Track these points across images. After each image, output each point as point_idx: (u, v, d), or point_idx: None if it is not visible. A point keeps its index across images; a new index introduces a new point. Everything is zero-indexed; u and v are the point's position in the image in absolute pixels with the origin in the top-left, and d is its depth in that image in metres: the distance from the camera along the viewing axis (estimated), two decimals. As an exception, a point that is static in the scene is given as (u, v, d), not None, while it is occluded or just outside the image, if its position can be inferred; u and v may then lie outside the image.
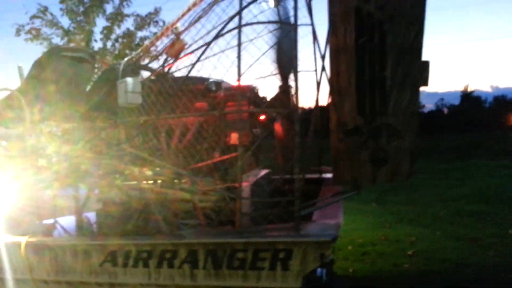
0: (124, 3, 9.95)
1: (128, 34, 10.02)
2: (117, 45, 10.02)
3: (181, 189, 3.73)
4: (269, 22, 3.46)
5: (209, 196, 3.58)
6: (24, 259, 3.05)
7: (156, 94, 3.77)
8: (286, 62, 3.77)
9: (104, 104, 3.82)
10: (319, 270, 4.33)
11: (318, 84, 3.71)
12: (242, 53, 3.68)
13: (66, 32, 9.45)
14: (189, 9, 3.70)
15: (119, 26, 10.00)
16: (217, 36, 3.35)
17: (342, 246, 7.69)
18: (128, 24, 10.30)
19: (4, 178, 3.92)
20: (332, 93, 3.69)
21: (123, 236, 3.26)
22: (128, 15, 10.05)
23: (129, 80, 3.55)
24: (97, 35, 9.90)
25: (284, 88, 4.17)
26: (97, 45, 9.69)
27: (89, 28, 9.30)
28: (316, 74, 4.18)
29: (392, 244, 7.79)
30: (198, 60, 3.79)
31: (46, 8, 9.57)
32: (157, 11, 10.24)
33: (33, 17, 9.64)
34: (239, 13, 3.14)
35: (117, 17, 9.85)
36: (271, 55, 4.10)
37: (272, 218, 3.46)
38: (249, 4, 3.26)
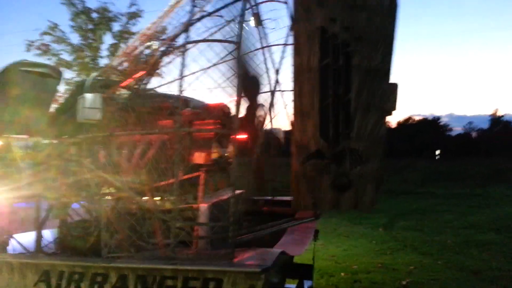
0: (131, 22, 10.14)
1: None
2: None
3: (139, 206, 3.66)
4: (213, 40, 3.39)
5: (165, 215, 3.49)
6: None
7: (120, 110, 3.74)
8: (249, 82, 3.69)
9: (70, 120, 3.81)
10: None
11: (271, 102, 3.60)
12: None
13: (75, 49, 9.68)
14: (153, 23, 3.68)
15: (125, 44, 10.18)
16: (163, 53, 3.31)
17: (335, 272, 7.45)
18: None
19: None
20: (294, 114, 3.57)
21: (62, 256, 3.20)
22: (134, 33, 10.25)
23: (88, 96, 3.54)
24: (104, 52, 10.10)
25: (251, 109, 4.08)
26: (103, 62, 9.91)
27: (97, 45, 9.51)
28: (273, 94, 4.08)
29: (388, 272, 7.47)
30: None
31: (56, 25, 9.87)
32: (164, 29, 10.34)
33: (44, 33, 9.94)
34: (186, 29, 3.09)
35: (124, 34, 10.04)
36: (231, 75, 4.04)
37: (228, 243, 3.34)
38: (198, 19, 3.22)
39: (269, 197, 5.17)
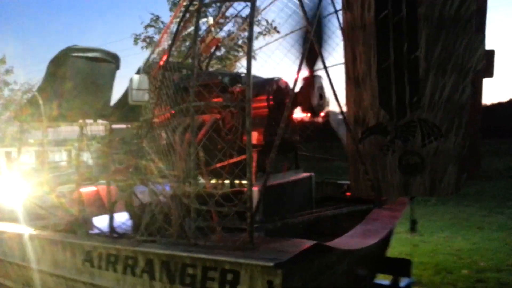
0: (225, 6, 10.02)
1: (230, 37, 10.11)
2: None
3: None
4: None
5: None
6: (28, 250, 3.20)
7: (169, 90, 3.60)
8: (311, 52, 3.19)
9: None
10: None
11: (300, 63, 3.05)
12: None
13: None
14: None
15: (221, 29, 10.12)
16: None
17: (455, 269, 6.41)
18: (229, 25, 10.37)
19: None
20: (348, 82, 2.99)
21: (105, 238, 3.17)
22: (228, 17, 10.14)
23: (135, 77, 3.46)
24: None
25: (308, 81, 3.57)
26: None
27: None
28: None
29: (525, 273, 6.16)
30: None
31: (158, 17, 10.33)
32: (258, 11, 10.07)
33: (147, 26, 10.51)
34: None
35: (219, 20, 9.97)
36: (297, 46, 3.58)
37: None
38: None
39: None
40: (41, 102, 3.58)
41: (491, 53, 2.80)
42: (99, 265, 2.89)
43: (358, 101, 2.93)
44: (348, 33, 2.95)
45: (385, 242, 4.19)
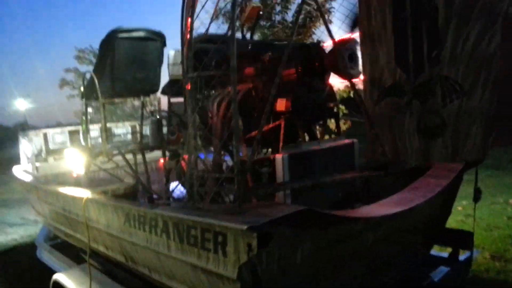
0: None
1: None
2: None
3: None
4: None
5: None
6: (84, 212, 3.59)
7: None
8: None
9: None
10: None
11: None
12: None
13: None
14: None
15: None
16: None
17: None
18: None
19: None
20: (363, 40, 2.78)
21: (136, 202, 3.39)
22: None
23: (171, 52, 3.60)
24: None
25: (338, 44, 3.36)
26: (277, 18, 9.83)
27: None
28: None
29: None
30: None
31: None
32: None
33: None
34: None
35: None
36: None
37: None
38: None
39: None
40: (96, 81, 3.92)
41: None
42: (134, 225, 3.16)
43: (374, 60, 2.72)
44: (361, -14, 2.73)
45: (438, 210, 3.89)
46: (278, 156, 3.29)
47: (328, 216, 2.42)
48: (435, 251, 4.38)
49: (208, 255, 2.44)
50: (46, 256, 5.07)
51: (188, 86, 3.51)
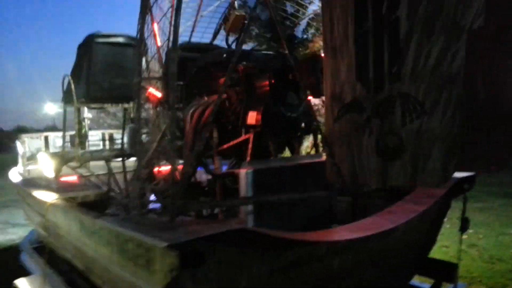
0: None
1: None
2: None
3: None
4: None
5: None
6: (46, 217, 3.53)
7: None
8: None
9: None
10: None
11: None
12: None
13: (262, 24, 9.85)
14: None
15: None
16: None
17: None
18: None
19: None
20: (325, 52, 2.63)
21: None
22: None
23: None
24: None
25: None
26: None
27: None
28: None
29: None
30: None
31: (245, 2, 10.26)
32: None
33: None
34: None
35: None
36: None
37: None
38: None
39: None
40: (72, 85, 3.90)
41: None
42: (86, 234, 3.07)
43: (335, 73, 2.56)
44: (325, -5, 2.59)
45: (419, 238, 3.66)
46: (242, 171, 3.16)
47: (271, 238, 2.26)
48: (417, 281, 4.13)
49: (141, 271, 2.32)
50: (26, 259, 5.04)
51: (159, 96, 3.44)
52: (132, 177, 2.85)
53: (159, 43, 3.30)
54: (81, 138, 4.08)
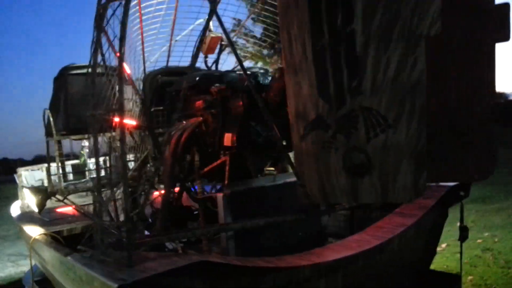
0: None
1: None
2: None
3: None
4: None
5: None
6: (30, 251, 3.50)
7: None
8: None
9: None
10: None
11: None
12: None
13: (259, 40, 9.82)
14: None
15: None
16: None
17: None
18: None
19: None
20: (286, 70, 2.55)
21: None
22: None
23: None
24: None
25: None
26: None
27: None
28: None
29: None
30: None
31: (239, 21, 10.22)
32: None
33: (231, 31, 10.47)
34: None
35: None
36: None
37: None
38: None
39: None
40: (51, 118, 3.90)
41: (504, 8, 2.09)
42: (63, 269, 3.03)
43: (297, 91, 2.48)
44: (282, 13, 2.52)
45: (415, 250, 3.51)
46: (219, 195, 3.09)
47: (236, 267, 2.18)
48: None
49: None
50: None
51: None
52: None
53: (128, 71, 3.28)
54: (80, 168, 4.09)
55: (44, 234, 3.55)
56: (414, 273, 3.67)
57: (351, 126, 2.27)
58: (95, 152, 2.77)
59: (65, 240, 3.57)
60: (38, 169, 6.33)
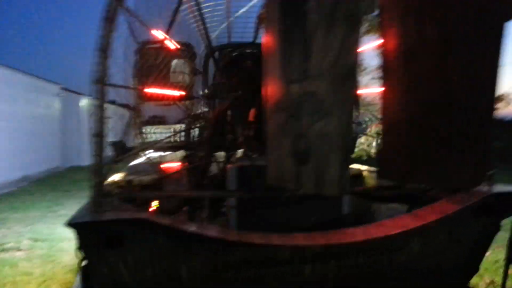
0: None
1: None
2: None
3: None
4: None
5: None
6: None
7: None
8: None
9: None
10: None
11: None
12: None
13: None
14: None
15: None
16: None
17: None
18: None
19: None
20: (266, 54, 2.53)
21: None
22: None
23: (174, 61, 3.93)
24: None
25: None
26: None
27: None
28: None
29: None
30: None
31: None
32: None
33: None
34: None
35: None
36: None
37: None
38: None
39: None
40: (135, 85, 4.48)
41: None
42: None
43: (267, 73, 2.48)
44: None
45: (451, 263, 3.09)
46: (229, 167, 3.26)
47: (173, 229, 2.34)
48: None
49: None
50: None
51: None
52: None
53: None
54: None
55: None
56: (450, 285, 3.20)
57: (299, 111, 2.20)
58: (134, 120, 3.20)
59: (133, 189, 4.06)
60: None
